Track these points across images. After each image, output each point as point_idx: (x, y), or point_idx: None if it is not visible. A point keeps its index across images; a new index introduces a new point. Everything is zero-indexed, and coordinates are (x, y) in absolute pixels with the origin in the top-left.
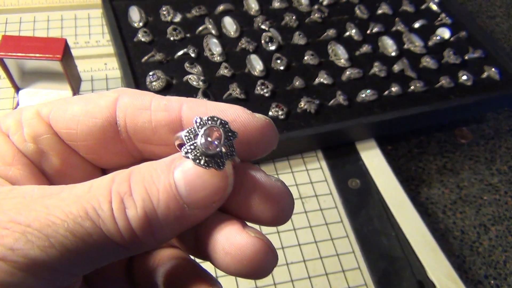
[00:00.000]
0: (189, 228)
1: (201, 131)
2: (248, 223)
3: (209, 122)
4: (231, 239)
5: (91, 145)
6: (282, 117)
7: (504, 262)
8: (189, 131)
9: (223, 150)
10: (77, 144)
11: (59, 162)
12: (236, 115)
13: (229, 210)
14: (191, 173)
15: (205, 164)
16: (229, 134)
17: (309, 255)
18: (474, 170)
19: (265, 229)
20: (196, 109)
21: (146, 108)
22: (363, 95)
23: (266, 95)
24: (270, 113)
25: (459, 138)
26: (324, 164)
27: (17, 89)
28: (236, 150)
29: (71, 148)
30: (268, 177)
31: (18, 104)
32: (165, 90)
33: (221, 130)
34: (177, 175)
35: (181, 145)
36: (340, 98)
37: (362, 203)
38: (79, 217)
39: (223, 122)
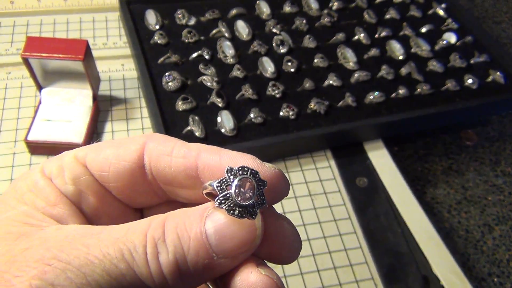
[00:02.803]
0: (217, 276)
1: (235, 182)
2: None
3: (240, 172)
4: (243, 276)
5: (121, 187)
6: (292, 117)
7: (508, 260)
8: (221, 182)
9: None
10: (109, 185)
11: (95, 201)
12: (246, 164)
13: None
14: (222, 223)
15: (239, 214)
16: (260, 183)
17: (318, 249)
18: (479, 171)
19: None
20: (210, 158)
21: (168, 154)
22: (371, 97)
23: (277, 96)
24: (281, 113)
25: (465, 140)
26: (332, 163)
27: (40, 88)
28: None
29: (105, 188)
30: (278, 218)
31: (40, 102)
32: (180, 90)
33: (253, 180)
34: (208, 225)
35: (209, 194)
36: (349, 100)
37: (369, 200)
38: (115, 258)
39: (253, 172)
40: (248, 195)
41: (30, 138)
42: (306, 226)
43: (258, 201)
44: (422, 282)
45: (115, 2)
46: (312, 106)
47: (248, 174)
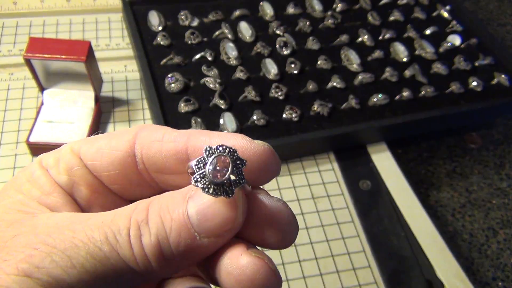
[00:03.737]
0: (203, 257)
1: (210, 160)
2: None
3: (218, 150)
4: (233, 260)
5: (113, 176)
6: (295, 119)
7: None
8: (199, 160)
9: (232, 178)
10: (101, 175)
11: (88, 192)
12: (235, 142)
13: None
14: (202, 202)
15: (214, 192)
16: (238, 162)
17: (321, 253)
18: (483, 174)
19: None
20: (200, 138)
21: (159, 140)
22: (375, 99)
23: (280, 98)
24: (284, 115)
25: (469, 143)
26: (336, 165)
27: (42, 89)
28: (246, 178)
29: (99, 179)
30: (271, 199)
31: (42, 103)
32: (183, 92)
33: (229, 158)
34: (190, 204)
35: (191, 174)
36: (352, 102)
37: (372, 204)
38: (99, 241)
39: (231, 150)
40: (222, 172)
41: (31, 139)
42: (308, 229)
43: (236, 179)
44: (426, 286)
45: (118, 3)
46: (315, 108)
47: (226, 152)
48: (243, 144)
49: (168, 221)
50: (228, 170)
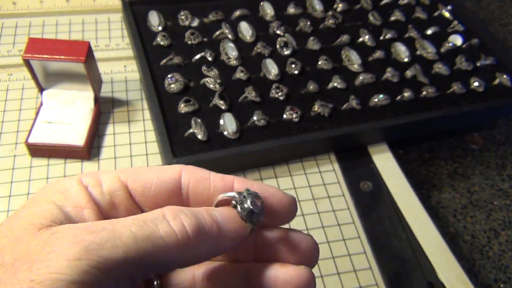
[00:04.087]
0: (220, 254)
1: (251, 196)
2: None
3: (254, 193)
4: (290, 270)
5: (158, 202)
6: (296, 120)
7: None
8: (240, 194)
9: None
10: (148, 200)
11: (124, 214)
12: (274, 191)
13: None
14: (223, 210)
15: (247, 217)
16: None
17: (321, 254)
18: (485, 175)
19: None
20: (246, 185)
21: (207, 178)
22: (376, 100)
23: (281, 98)
24: (284, 116)
25: (470, 144)
26: (336, 166)
27: (41, 89)
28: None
29: (137, 205)
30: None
31: (41, 104)
32: (183, 92)
33: (262, 200)
34: (214, 212)
35: (219, 205)
36: (353, 103)
37: (373, 205)
38: (139, 224)
39: (261, 198)
40: (258, 206)
41: (30, 140)
42: (309, 231)
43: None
44: None
45: (118, 3)
46: (316, 109)
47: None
48: (280, 194)
49: (201, 214)
50: (262, 207)
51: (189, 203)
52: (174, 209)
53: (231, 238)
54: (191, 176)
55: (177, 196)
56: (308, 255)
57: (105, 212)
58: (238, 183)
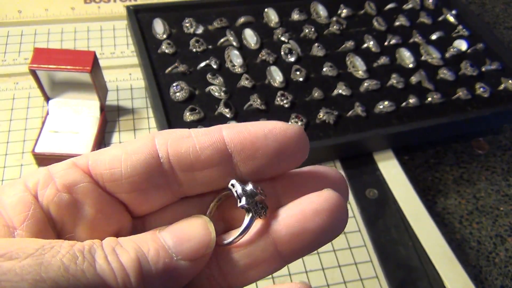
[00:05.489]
0: (184, 283)
1: (251, 186)
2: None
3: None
4: (315, 194)
5: (136, 181)
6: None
7: None
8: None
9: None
10: (121, 184)
11: (93, 211)
12: (274, 124)
13: None
14: (175, 227)
15: (254, 208)
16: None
17: (327, 263)
18: (491, 181)
19: None
20: (236, 128)
21: (188, 136)
22: (381, 107)
23: (286, 106)
24: (289, 123)
25: (476, 149)
26: (342, 174)
27: (47, 98)
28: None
29: (108, 195)
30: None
31: (48, 113)
32: (188, 101)
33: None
34: (163, 233)
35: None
36: (358, 110)
37: (379, 213)
38: (73, 255)
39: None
40: (259, 194)
41: (37, 150)
42: None
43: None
44: None
45: (123, 11)
46: (321, 116)
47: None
48: (281, 125)
49: (145, 243)
50: (264, 196)
51: (175, 174)
52: (111, 242)
53: (191, 260)
54: (167, 138)
55: (157, 169)
56: (336, 186)
57: (64, 216)
58: (228, 130)
